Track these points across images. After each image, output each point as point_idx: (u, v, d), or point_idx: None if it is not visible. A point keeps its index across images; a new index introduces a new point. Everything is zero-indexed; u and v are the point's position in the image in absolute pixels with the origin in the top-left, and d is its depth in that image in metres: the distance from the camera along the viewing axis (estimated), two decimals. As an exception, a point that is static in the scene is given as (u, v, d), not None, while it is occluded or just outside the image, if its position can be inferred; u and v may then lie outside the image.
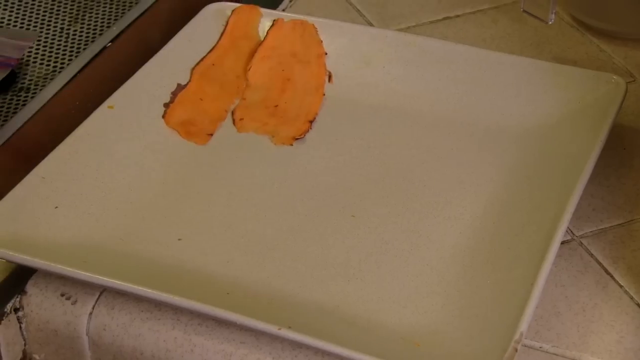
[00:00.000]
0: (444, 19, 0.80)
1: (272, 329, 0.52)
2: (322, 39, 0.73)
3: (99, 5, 0.84)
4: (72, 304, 0.58)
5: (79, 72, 0.77)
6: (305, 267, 0.58)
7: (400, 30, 0.77)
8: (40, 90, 0.75)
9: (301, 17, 0.74)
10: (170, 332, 0.56)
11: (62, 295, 0.59)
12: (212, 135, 0.68)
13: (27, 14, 0.84)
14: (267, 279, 0.57)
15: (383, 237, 0.60)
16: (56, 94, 0.75)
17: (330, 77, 0.71)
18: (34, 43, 0.79)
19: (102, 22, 0.82)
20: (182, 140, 0.67)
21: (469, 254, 0.58)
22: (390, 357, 0.50)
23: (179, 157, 0.66)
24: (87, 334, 0.58)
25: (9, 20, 0.83)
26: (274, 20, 0.74)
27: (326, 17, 0.74)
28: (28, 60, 0.78)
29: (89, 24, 0.82)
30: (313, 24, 0.73)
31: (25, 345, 0.60)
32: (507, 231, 0.59)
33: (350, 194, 0.63)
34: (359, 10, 0.81)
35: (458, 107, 0.69)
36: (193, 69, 0.71)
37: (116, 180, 0.63)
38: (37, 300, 0.59)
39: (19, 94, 0.75)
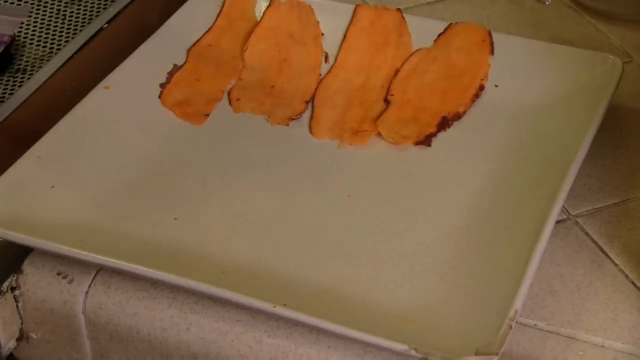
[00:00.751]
0: None
1: (267, 306, 0.52)
2: (318, 19, 0.73)
3: (96, -13, 0.84)
4: (68, 283, 0.58)
5: (75, 53, 0.77)
6: (301, 246, 0.58)
7: (397, 11, 0.77)
8: (37, 71, 0.75)
9: (298, -3, 0.74)
10: (166, 310, 0.56)
11: (59, 274, 0.59)
12: (208, 115, 0.68)
13: (24, -5, 0.84)
14: (262, 258, 0.57)
15: (379, 217, 0.60)
16: (52, 75, 0.75)
17: (326, 57, 0.71)
18: (26, 18, 0.79)
19: (99, 4, 0.82)
20: (178, 120, 0.67)
21: (465, 233, 0.58)
22: (385, 334, 0.51)
23: (175, 137, 0.66)
24: (83, 313, 0.58)
25: (6, 1, 0.82)
26: (271, 1, 0.74)
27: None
28: (25, 42, 0.78)
29: (85, 6, 0.82)
30: (309, 5, 0.73)
31: (22, 324, 0.60)
32: (502, 210, 0.59)
33: (346, 174, 0.63)
34: (356, -9, 0.81)
35: (454, 87, 0.69)
36: (189, 49, 0.71)
37: (112, 160, 0.63)
38: (33, 279, 0.59)
39: (15, 75, 0.75)
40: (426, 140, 0.64)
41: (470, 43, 0.69)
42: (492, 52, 0.69)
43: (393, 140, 0.64)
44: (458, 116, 0.66)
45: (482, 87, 0.67)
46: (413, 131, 0.65)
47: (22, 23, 0.78)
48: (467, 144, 0.65)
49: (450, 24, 0.70)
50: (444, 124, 0.65)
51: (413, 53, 0.70)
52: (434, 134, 0.65)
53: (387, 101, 0.67)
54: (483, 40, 0.69)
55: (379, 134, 0.65)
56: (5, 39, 0.76)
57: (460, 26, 0.70)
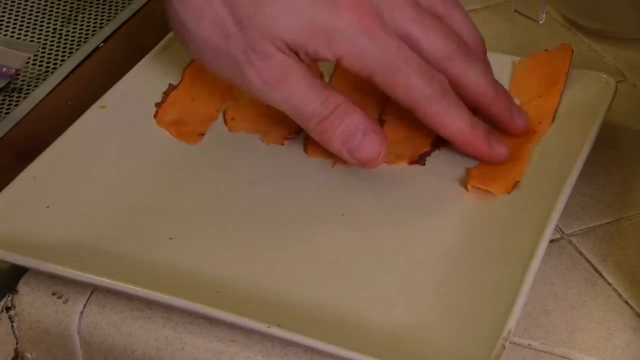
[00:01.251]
0: (436, 18, 0.80)
1: (261, 327, 0.52)
2: (314, 39, 0.73)
3: (92, 6, 0.84)
4: (63, 303, 0.58)
5: (71, 72, 0.77)
6: (295, 266, 0.58)
7: (392, 30, 0.78)
8: (33, 90, 0.76)
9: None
10: (161, 330, 0.57)
11: (54, 294, 0.59)
12: (203, 135, 0.68)
13: (20, 14, 0.84)
14: (257, 278, 0.57)
15: (373, 236, 0.60)
16: (48, 94, 0.75)
17: (321, 76, 0.72)
18: (33, 54, 0.79)
19: (95, 23, 0.83)
20: (173, 140, 0.67)
21: (458, 252, 0.58)
22: (378, 354, 0.51)
23: (170, 157, 0.66)
24: (78, 333, 0.58)
25: (1, 20, 0.83)
26: (266, 20, 0.74)
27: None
28: (21, 61, 0.79)
29: (81, 25, 0.83)
30: (305, 24, 0.73)
31: (17, 344, 0.60)
32: (496, 229, 0.59)
33: (340, 193, 0.63)
34: (351, 10, 0.81)
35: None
36: (185, 69, 0.72)
37: (108, 180, 0.64)
38: (28, 299, 0.59)
39: (11, 95, 0.76)
40: (420, 160, 0.65)
41: None
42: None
43: (387, 160, 0.65)
44: None
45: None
46: (407, 150, 0.65)
47: (29, 58, 0.78)
48: (460, 163, 0.65)
49: None
50: (438, 143, 0.66)
51: None
52: (428, 153, 0.65)
53: (381, 121, 0.68)
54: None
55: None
56: (12, 72, 0.76)
57: None
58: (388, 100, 0.68)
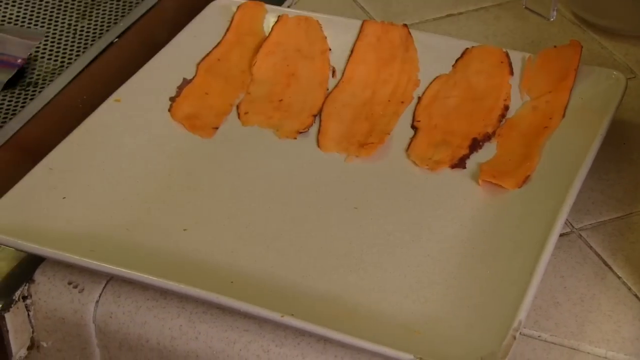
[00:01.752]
0: (447, 16, 0.81)
1: (275, 316, 0.53)
2: (326, 35, 0.74)
3: (106, 2, 0.85)
4: (79, 292, 0.59)
5: (85, 67, 0.78)
6: (308, 257, 0.59)
7: (404, 27, 0.78)
8: (48, 84, 0.76)
9: (306, 13, 0.75)
10: (175, 320, 0.57)
11: (70, 283, 0.60)
12: (217, 128, 0.68)
13: (36, 10, 0.85)
14: (270, 269, 0.58)
15: (385, 228, 0.61)
16: (63, 88, 0.76)
17: (334, 72, 0.72)
18: (40, 42, 0.80)
19: (109, 18, 0.83)
20: (187, 133, 0.68)
21: (470, 244, 0.59)
22: (390, 344, 0.51)
23: (184, 150, 0.67)
24: (93, 322, 0.59)
25: (17, 16, 0.84)
26: (279, 16, 0.75)
27: (331, 13, 0.75)
28: (36, 56, 0.79)
29: (96, 20, 0.83)
30: (317, 20, 0.74)
31: (33, 332, 0.61)
32: (507, 223, 0.60)
33: (353, 187, 0.64)
34: (362, 7, 0.82)
35: (460, 102, 0.70)
36: (199, 64, 0.72)
37: (123, 172, 0.64)
38: (44, 289, 0.60)
39: (27, 89, 0.76)
40: (460, 163, 0.65)
41: (488, 65, 0.70)
42: (511, 72, 0.69)
43: (428, 166, 0.65)
44: (488, 137, 0.66)
45: (506, 107, 0.68)
46: (446, 155, 0.65)
47: (39, 47, 0.79)
48: (472, 158, 0.65)
49: (467, 48, 0.71)
50: (475, 145, 0.66)
51: (433, 80, 0.70)
52: (467, 156, 0.65)
53: (414, 128, 0.68)
54: (501, 62, 0.70)
55: (410, 157, 0.66)
56: (19, 62, 0.77)
57: (477, 50, 0.71)
58: (417, 106, 0.69)
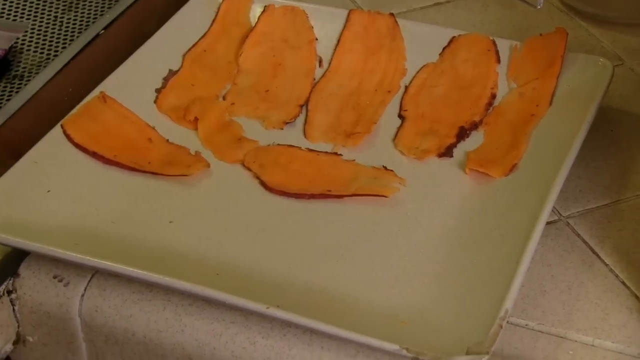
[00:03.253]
0: (435, 4, 0.81)
1: (260, 308, 0.53)
2: (312, 24, 0.73)
3: (92, -6, 0.85)
4: (64, 286, 0.59)
5: (71, 59, 0.78)
6: (294, 248, 0.59)
7: (391, 15, 0.78)
8: (34, 77, 0.76)
9: (292, 3, 0.74)
10: (161, 312, 0.57)
11: (55, 277, 0.59)
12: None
13: (22, 2, 0.84)
14: (256, 260, 0.58)
15: (372, 219, 0.60)
16: (49, 81, 0.75)
17: (320, 62, 0.72)
18: (26, 34, 0.79)
19: (96, 10, 0.83)
20: (174, 125, 0.68)
21: (456, 233, 0.59)
22: (377, 335, 0.51)
23: (170, 142, 0.66)
24: (79, 316, 0.58)
25: (3, 8, 0.83)
26: (265, 6, 0.75)
27: (318, 2, 0.75)
28: (22, 48, 0.79)
29: (82, 12, 0.83)
30: (304, 10, 0.74)
31: (18, 327, 0.61)
32: (493, 211, 0.60)
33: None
34: (350, -3, 0.82)
35: (447, 91, 0.69)
36: (185, 55, 0.72)
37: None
38: (30, 283, 0.59)
39: (12, 82, 0.76)
40: (448, 152, 0.64)
41: (475, 54, 0.70)
42: (498, 60, 0.69)
43: (415, 156, 0.64)
44: (475, 125, 0.66)
45: (494, 96, 0.68)
46: (433, 144, 0.65)
47: (18, 38, 0.79)
48: (460, 146, 0.65)
49: (454, 36, 0.71)
50: (463, 133, 0.65)
51: (420, 69, 0.70)
52: (454, 145, 0.65)
53: (401, 117, 0.68)
54: (488, 50, 0.69)
55: (398, 147, 0.65)
56: (1, 52, 0.76)
57: (464, 38, 0.70)
58: (404, 96, 0.69)
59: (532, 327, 0.55)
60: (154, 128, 0.67)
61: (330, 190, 0.62)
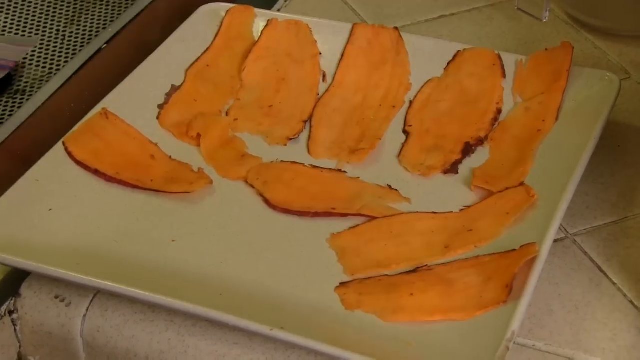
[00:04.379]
0: (440, 17, 0.80)
1: (264, 329, 0.52)
2: (316, 39, 0.73)
3: (95, 7, 0.84)
4: (66, 306, 0.58)
5: (74, 74, 0.77)
6: (298, 267, 0.58)
7: (395, 29, 0.77)
8: (36, 92, 0.75)
9: (295, 17, 0.74)
10: (164, 333, 0.56)
11: (56, 297, 0.59)
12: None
13: (24, 16, 0.84)
14: (260, 280, 0.57)
15: (376, 237, 0.60)
16: (51, 96, 0.75)
17: (324, 76, 0.71)
18: (33, 48, 0.79)
19: (98, 24, 0.83)
20: (176, 141, 0.67)
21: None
22: (382, 356, 0.51)
23: (173, 158, 0.66)
24: (81, 336, 0.58)
25: (5, 22, 0.83)
26: (268, 20, 0.74)
27: (322, 16, 0.75)
28: (24, 63, 0.79)
29: (84, 26, 0.83)
30: (307, 24, 0.73)
31: (20, 347, 0.60)
32: (500, 229, 0.59)
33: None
34: (354, 10, 0.81)
35: (452, 106, 0.69)
36: (187, 70, 0.72)
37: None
38: (31, 303, 0.59)
39: (14, 97, 0.75)
40: (453, 168, 0.64)
41: (480, 68, 0.69)
42: (504, 75, 0.68)
43: (420, 172, 0.64)
44: (480, 141, 0.65)
45: (499, 111, 0.67)
46: (438, 160, 0.64)
47: (27, 53, 0.78)
48: (465, 162, 0.64)
49: (459, 50, 0.70)
50: (468, 149, 0.65)
51: (425, 84, 0.70)
52: (459, 161, 0.64)
53: (406, 133, 0.67)
54: (493, 64, 0.69)
55: (402, 164, 0.65)
56: (10, 64, 0.76)
57: (469, 52, 0.70)
58: (409, 111, 0.68)
59: (539, 347, 0.54)
60: (156, 144, 0.66)
61: (334, 209, 0.61)
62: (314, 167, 0.64)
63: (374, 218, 0.60)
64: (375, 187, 0.62)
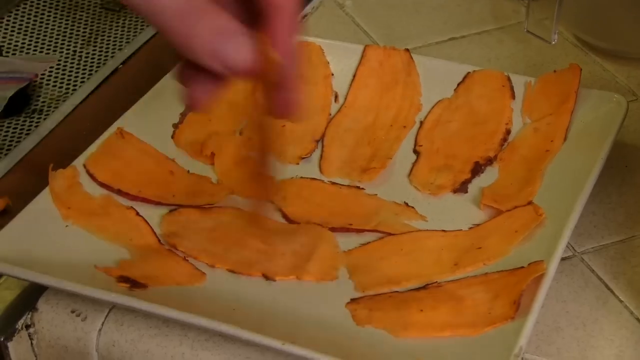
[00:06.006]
0: (450, 39, 0.81)
1: (277, 344, 0.53)
2: (328, 60, 0.74)
3: (111, 29, 0.86)
4: (82, 321, 0.59)
5: (90, 94, 0.79)
6: (311, 283, 0.59)
7: (406, 51, 0.78)
8: (53, 112, 0.77)
9: (308, 38, 0.75)
10: (178, 347, 0.57)
11: (73, 312, 0.60)
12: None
13: (41, 37, 0.85)
14: (272, 294, 0.58)
15: (387, 254, 0.61)
16: (68, 115, 0.76)
17: (336, 97, 0.72)
18: (50, 68, 0.81)
19: (114, 45, 0.84)
20: (191, 160, 0.68)
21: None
22: (392, 371, 0.51)
23: (191, 172, 0.67)
24: (96, 350, 0.59)
25: (23, 43, 0.84)
26: (282, 42, 0.75)
27: (334, 38, 0.76)
28: (41, 83, 0.80)
29: (101, 47, 0.84)
30: (320, 46, 0.74)
31: (36, 361, 0.61)
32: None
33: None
34: (365, 32, 0.83)
35: (462, 126, 0.70)
36: (202, 89, 0.72)
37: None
38: (48, 317, 0.60)
39: (31, 116, 0.77)
40: (462, 187, 0.65)
41: (490, 90, 0.70)
42: (513, 96, 0.69)
43: (430, 191, 0.65)
44: (490, 160, 0.66)
45: (508, 131, 0.68)
46: (448, 180, 0.65)
47: (44, 72, 0.80)
48: (474, 181, 0.65)
49: (469, 72, 0.71)
50: (477, 169, 0.66)
51: (435, 104, 0.71)
52: (469, 180, 0.65)
53: (416, 152, 0.68)
54: (503, 86, 0.70)
55: (412, 183, 0.66)
56: (31, 76, 0.77)
57: (479, 74, 0.71)
58: (419, 131, 0.69)
59: (546, 363, 0.55)
60: (173, 160, 0.67)
61: (351, 224, 0.62)
62: (333, 183, 0.65)
63: (390, 234, 0.61)
64: (392, 204, 0.64)
